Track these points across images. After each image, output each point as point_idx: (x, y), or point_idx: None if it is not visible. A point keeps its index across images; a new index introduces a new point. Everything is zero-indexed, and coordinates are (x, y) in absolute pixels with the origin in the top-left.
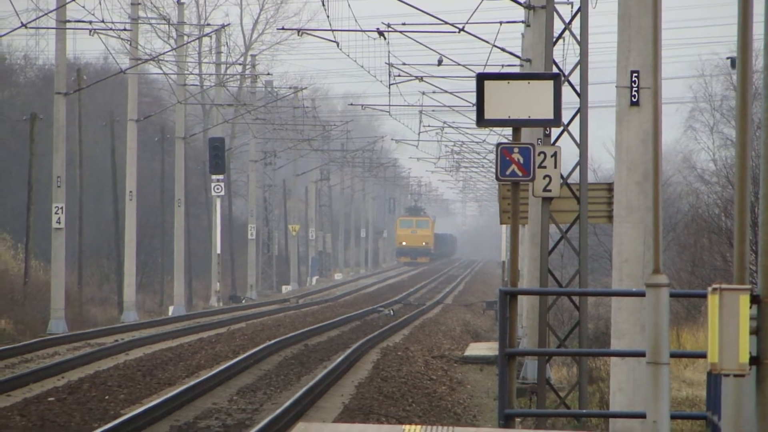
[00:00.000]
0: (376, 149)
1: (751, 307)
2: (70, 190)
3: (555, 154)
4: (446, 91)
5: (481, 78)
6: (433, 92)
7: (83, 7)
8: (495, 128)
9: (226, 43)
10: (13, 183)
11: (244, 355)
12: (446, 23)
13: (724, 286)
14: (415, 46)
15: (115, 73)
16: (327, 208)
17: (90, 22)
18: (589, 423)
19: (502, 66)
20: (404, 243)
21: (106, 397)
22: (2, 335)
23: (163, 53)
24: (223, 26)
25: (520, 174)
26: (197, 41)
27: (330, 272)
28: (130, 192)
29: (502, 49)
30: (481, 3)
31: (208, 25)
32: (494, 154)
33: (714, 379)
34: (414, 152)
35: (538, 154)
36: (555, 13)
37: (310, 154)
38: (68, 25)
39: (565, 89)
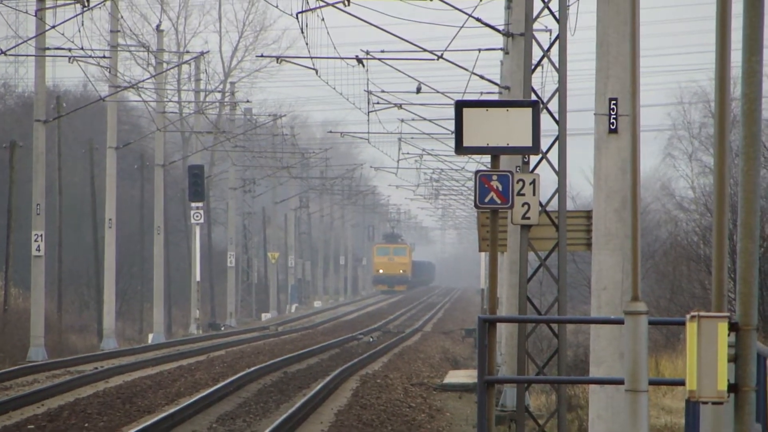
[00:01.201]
0: (355, 176)
1: (729, 335)
2: (49, 217)
3: (534, 182)
4: (425, 119)
5: (460, 105)
6: (412, 119)
7: (62, 34)
8: (474, 156)
9: (206, 70)
10: None
11: (224, 382)
12: (425, 50)
13: (702, 313)
14: (394, 74)
15: (95, 101)
16: (306, 235)
17: (69, 50)
18: None
19: (481, 93)
20: (381, 271)
21: (86, 425)
22: None
23: (143, 81)
24: (202, 53)
25: (498, 201)
26: (176, 69)
27: (309, 300)
28: (110, 219)
29: (481, 77)
30: (459, 31)
31: (188, 52)
32: (473, 182)
33: (693, 407)
34: (393, 179)
35: (517, 182)
36: (533, 41)
37: (290, 182)
38: (47, 52)
39: (544, 116)
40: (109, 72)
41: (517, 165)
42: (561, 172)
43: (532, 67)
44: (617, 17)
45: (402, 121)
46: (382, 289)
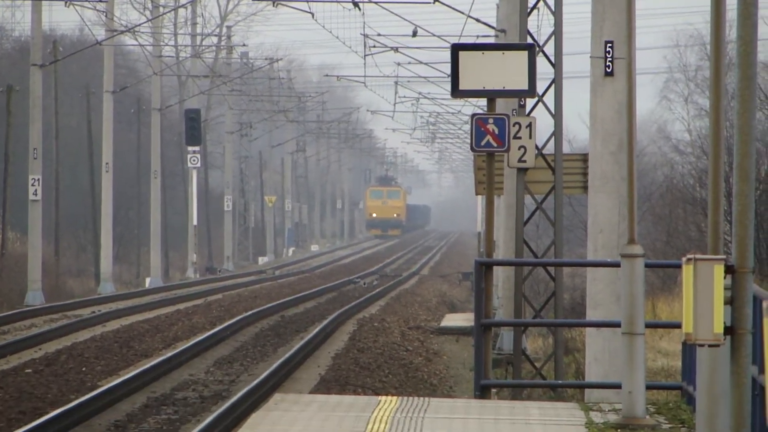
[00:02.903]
0: (352, 120)
1: (725, 277)
2: (46, 161)
3: (530, 125)
4: (421, 62)
5: (456, 49)
6: (409, 63)
7: None
8: (470, 99)
9: (202, 14)
10: None
11: (221, 326)
12: None
13: (698, 256)
14: (390, 17)
15: (91, 45)
16: (303, 179)
17: None
18: (565, 393)
19: (477, 37)
20: (374, 214)
21: (83, 369)
22: None
23: (139, 24)
24: None
25: (495, 145)
26: (173, 12)
27: (306, 243)
28: (107, 164)
29: (477, 20)
30: None
31: None
32: (469, 125)
33: (689, 350)
34: (389, 123)
35: (513, 125)
36: None
37: (286, 126)
38: None
39: (540, 60)
40: (106, 16)
41: (513, 108)
42: (557, 115)
43: (528, 10)
44: None
45: (398, 64)
46: (376, 233)
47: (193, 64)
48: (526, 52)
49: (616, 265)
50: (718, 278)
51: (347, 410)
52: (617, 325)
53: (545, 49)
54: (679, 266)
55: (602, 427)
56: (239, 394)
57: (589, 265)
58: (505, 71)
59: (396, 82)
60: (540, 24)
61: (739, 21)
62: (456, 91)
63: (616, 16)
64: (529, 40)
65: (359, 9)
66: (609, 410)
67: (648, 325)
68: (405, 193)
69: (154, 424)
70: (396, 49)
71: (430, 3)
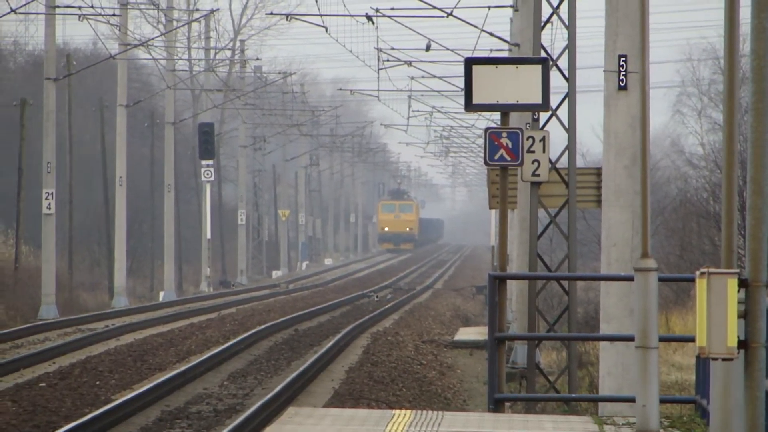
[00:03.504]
0: (365, 134)
1: (739, 291)
2: (60, 175)
3: (543, 139)
4: (435, 76)
5: (470, 63)
6: (422, 77)
7: None
8: (484, 113)
9: (216, 28)
10: (3, 168)
11: (235, 340)
12: (435, 8)
13: (712, 270)
14: (404, 31)
15: (105, 59)
16: (317, 193)
17: (79, 8)
18: (579, 407)
19: (491, 51)
20: (386, 228)
21: (97, 383)
22: None
23: (153, 38)
24: (212, 11)
25: (508, 159)
26: (186, 26)
27: (320, 257)
28: (120, 177)
29: (491, 34)
30: None
31: (198, 10)
32: (483, 139)
33: (703, 363)
34: (403, 137)
35: (527, 139)
36: None
37: (300, 140)
38: (57, 10)
39: (554, 74)
40: (119, 30)
41: (527, 122)
42: (571, 129)
43: (542, 24)
44: None
45: (412, 78)
46: (388, 247)
47: (207, 78)
48: (539, 66)
49: (630, 278)
50: (732, 292)
51: (361, 424)
52: (631, 338)
53: (559, 63)
54: (692, 280)
55: None
56: (253, 408)
57: (603, 279)
58: (519, 85)
59: (409, 96)
60: (553, 38)
61: (752, 35)
62: (470, 105)
63: (629, 30)
64: (543, 54)
65: (372, 23)
66: (623, 424)
67: (662, 339)
68: (418, 207)
69: None
70: (410, 63)
71: (443, 17)
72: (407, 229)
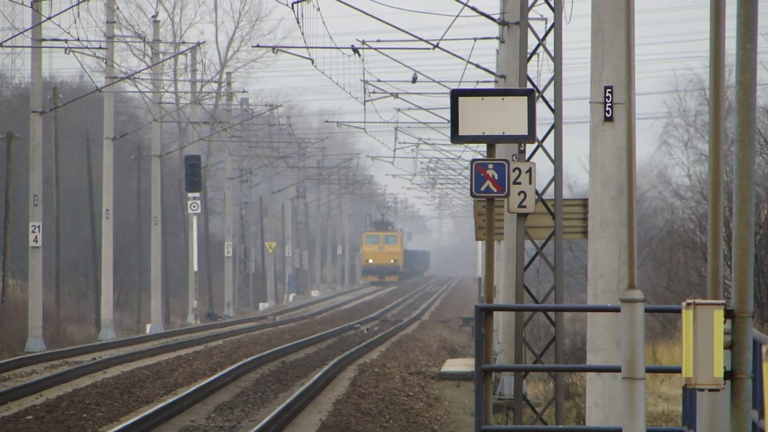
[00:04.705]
0: (352, 166)
1: (725, 322)
2: (46, 208)
3: (530, 170)
4: (421, 108)
5: (455, 94)
6: (409, 109)
7: (59, 25)
8: (470, 144)
9: (202, 60)
10: None
11: (222, 372)
12: (421, 40)
13: (698, 301)
14: (390, 63)
15: (91, 92)
16: (303, 225)
17: (65, 41)
18: None
19: (477, 82)
20: (370, 260)
21: (84, 416)
22: None
23: (139, 71)
24: (199, 44)
25: (494, 190)
26: (173, 59)
27: (307, 289)
28: (107, 210)
29: (477, 66)
30: (455, 20)
31: (184, 43)
32: (469, 171)
33: (689, 394)
34: (390, 169)
35: (513, 170)
36: (529, 29)
37: (286, 172)
38: (44, 43)
39: (540, 105)
40: (106, 63)
41: (513, 153)
42: (557, 161)
43: (528, 55)
44: (612, 5)
45: (398, 110)
46: (372, 280)
47: (193, 111)
48: (525, 98)
49: (616, 310)
50: (718, 323)
51: None
52: (617, 369)
53: (545, 94)
54: (679, 311)
55: None
56: None
57: (590, 310)
58: (505, 117)
59: (396, 128)
60: (540, 69)
61: (738, 66)
62: (456, 137)
63: (615, 61)
64: (529, 86)
65: (359, 55)
66: None
67: (648, 370)
68: (402, 238)
69: None
70: (396, 95)
71: (430, 49)
72: (392, 260)
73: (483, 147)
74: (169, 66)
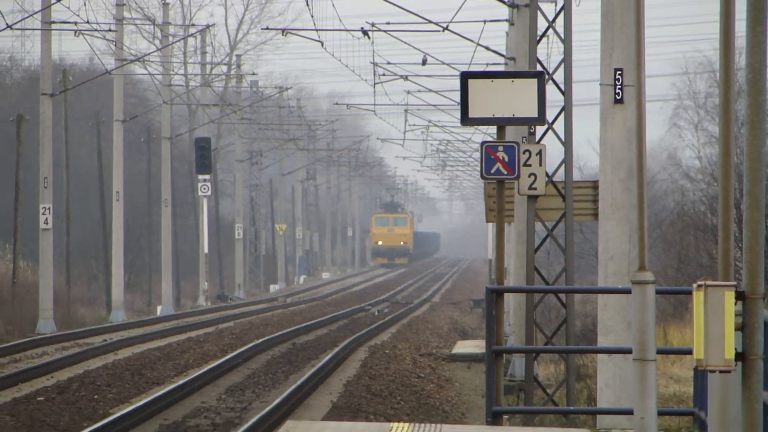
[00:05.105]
0: (362, 148)
1: (736, 304)
2: (57, 190)
3: (540, 152)
4: (431, 90)
5: (465, 76)
6: (418, 91)
7: (68, 8)
8: (480, 127)
9: (211, 43)
10: (0, 184)
11: (233, 354)
12: (431, 22)
13: (709, 282)
14: (400, 45)
15: (101, 74)
16: (314, 207)
17: (75, 23)
18: (577, 419)
19: (487, 64)
20: (380, 242)
21: (95, 397)
22: None
23: (149, 54)
24: (208, 26)
25: (505, 172)
26: (182, 41)
27: (317, 271)
28: (117, 192)
29: (487, 48)
30: (465, 2)
31: (193, 25)
32: (479, 153)
33: (700, 376)
34: (400, 151)
35: (523, 152)
36: (539, 12)
37: (296, 154)
38: (53, 26)
39: (550, 87)
40: (115, 45)
41: (523, 136)
42: (567, 143)
43: (538, 37)
44: None
45: (408, 92)
46: (381, 262)
47: (203, 93)
48: (535, 80)
49: (627, 291)
50: (729, 304)
51: None
52: (628, 351)
53: (555, 76)
54: (690, 293)
55: None
56: (251, 422)
57: (600, 292)
58: (515, 99)
59: (406, 110)
60: (549, 52)
61: (748, 48)
62: (466, 119)
63: (625, 43)
64: (539, 68)
65: (368, 37)
66: None
67: (659, 352)
68: (412, 220)
69: None
70: (406, 77)
71: (439, 31)
72: (401, 242)
73: (493, 129)
74: (179, 48)
